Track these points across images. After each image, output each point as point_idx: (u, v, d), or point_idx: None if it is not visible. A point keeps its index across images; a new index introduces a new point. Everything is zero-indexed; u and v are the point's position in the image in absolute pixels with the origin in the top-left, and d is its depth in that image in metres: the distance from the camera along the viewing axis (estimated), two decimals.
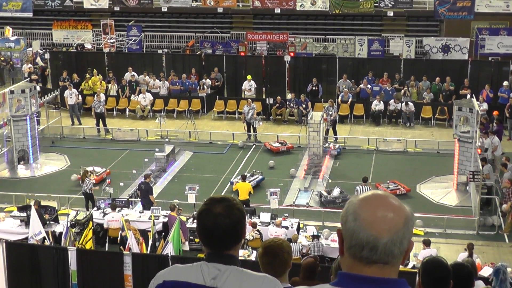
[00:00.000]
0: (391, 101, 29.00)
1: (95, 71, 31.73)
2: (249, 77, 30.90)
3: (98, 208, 19.61)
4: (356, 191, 20.24)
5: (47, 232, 17.67)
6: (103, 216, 19.07)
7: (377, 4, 34.83)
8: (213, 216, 3.13)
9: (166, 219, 18.67)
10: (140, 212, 19.61)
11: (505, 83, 28.69)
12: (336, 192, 21.51)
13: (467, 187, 21.92)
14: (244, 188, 20.45)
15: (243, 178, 21.07)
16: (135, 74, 31.57)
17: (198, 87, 31.14)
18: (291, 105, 29.59)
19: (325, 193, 21.52)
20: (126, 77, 31.56)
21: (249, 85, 30.84)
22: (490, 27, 34.14)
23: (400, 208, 2.54)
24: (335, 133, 27.19)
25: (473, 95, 26.48)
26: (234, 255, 3.18)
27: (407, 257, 2.58)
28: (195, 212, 19.37)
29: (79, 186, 21.56)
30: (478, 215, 19.71)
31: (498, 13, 33.90)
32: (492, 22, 34.28)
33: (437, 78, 29.95)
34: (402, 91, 29.66)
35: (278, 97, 29.72)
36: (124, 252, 15.81)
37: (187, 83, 31.41)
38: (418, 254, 16.66)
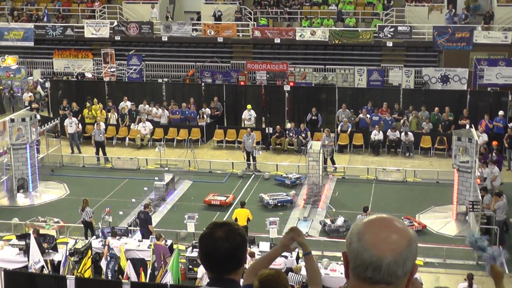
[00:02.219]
0: (390, 131, 29.08)
1: (95, 100, 31.87)
2: (249, 106, 31.01)
3: (97, 237, 19.55)
4: (357, 220, 20.13)
5: (45, 261, 17.61)
6: (102, 244, 18.99)
7: (376, 35, 35.15)
8: (213, 239, 3.16)
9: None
10: (139, 241, 19.54)
11: (501, 112, 28.78)
12: (340, 221, 21.42)
13: (467, 217, 21.89)
14: (243, 214, 20.36)
15: (242, 205, 21.02)
16: (130, 103, 31.66)
17: (198, 116, 31.23)
18: (291, 134, 29.66)
19: (329, 222, 21.44)
20: (122, 106, 31.69)
21: (248, 115, 30.92)
22: (489, 58, 34.34)
23: (404, 230, 2.58)
24: (333, 162, 27.20)
25: (472, 125, 26.56)
26: (235, 280, 3.21)
27: (411, 280, 2.60)
28: (194, 241, 19.33)
29: (78, 215, 21.51)
30: None
31: (497, 44, 34.19)
32: (491, 52, 34.49)
33: (436, 108, 30.06)
34: (401, 121, 29.76)
35: (278, 126, 29.82)
36: (123, 281, 15.75)
37: (186, 112, 31.50)
38: None
